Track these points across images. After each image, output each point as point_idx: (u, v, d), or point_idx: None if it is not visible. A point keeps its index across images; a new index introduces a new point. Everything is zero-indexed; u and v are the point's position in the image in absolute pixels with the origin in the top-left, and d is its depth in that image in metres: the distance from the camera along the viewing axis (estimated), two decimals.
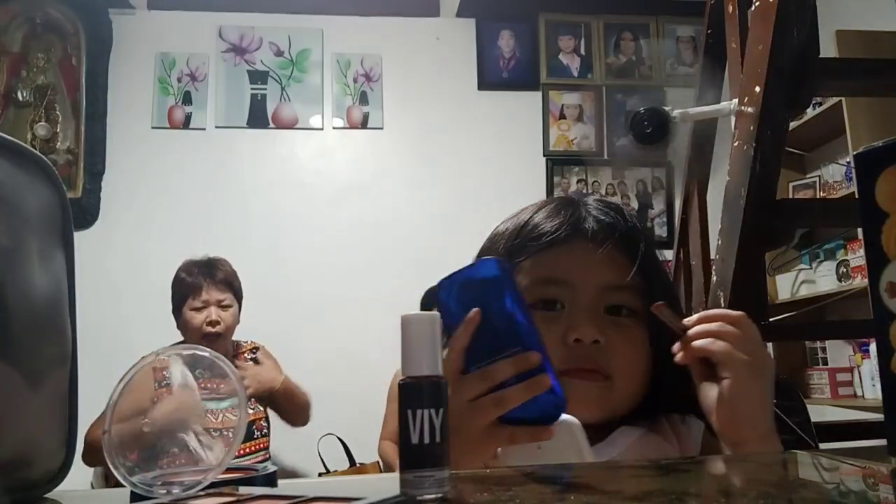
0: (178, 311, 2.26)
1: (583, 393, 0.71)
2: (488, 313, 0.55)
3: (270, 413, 2.38)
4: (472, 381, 0.56)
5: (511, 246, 0.77)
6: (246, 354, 2.37)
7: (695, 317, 0.66)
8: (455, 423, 0.47)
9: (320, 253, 3.25)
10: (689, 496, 0.36)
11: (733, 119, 1.46)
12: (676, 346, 0.67)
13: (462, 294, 0.57)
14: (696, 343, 0.65)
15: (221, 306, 2.25)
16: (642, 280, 0.75)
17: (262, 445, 2.29)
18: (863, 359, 2.79)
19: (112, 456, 0.39)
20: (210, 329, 2.20)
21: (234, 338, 2.37)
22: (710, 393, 0.65)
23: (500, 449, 0.58)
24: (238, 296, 2.32)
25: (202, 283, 2.23)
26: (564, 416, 0.55)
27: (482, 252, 0.81)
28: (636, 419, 0.74)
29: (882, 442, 0.44)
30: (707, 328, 0.65)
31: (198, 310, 2.22)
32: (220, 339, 2.22)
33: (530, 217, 0.79)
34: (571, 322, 0.72)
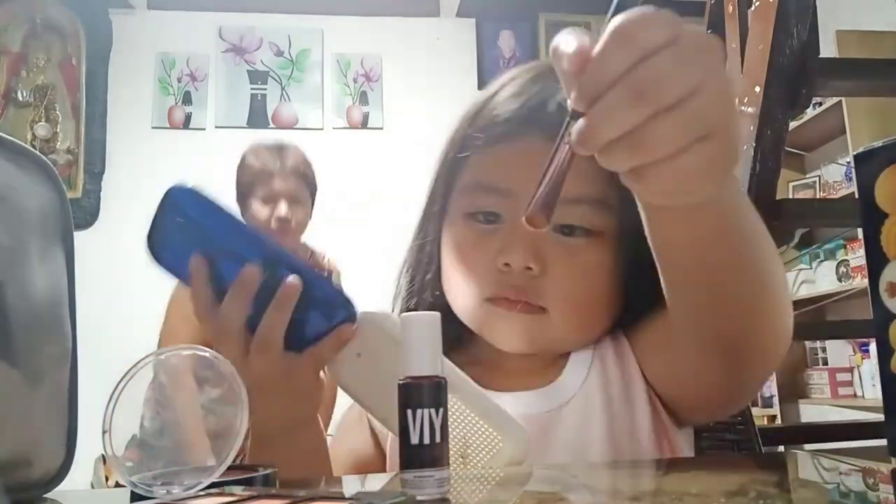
0: (242, 201, 1.95)
1: (507, 323, 0.59)
2: (213, 245, 0.49)
3: None
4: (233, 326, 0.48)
5: (462, 136, 0.63)
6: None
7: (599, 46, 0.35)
8: (249, 381, 0.39)
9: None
10: (689, 496, 0.36)
11: None
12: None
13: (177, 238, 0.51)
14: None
15: (292, 199, 1.94)
16: (613, 189, 0.55)
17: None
18: (863, 359, 2.80)
19: (112, 455, 0.39)
20: (277, 226, 1.91)
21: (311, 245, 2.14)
22: None
23: (324, 379, 0.52)
24: (312, 188, 2.00)
25: (273, 171, 1.92)
26: (365, 312, 0.50)
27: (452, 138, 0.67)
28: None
29: (882, 442, 0.44)
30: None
31: (264, 202, 1.93)
32: (287, 238, 1.94)
33: (493, 95, 0.64)
34: (505, 242, 0.58)
